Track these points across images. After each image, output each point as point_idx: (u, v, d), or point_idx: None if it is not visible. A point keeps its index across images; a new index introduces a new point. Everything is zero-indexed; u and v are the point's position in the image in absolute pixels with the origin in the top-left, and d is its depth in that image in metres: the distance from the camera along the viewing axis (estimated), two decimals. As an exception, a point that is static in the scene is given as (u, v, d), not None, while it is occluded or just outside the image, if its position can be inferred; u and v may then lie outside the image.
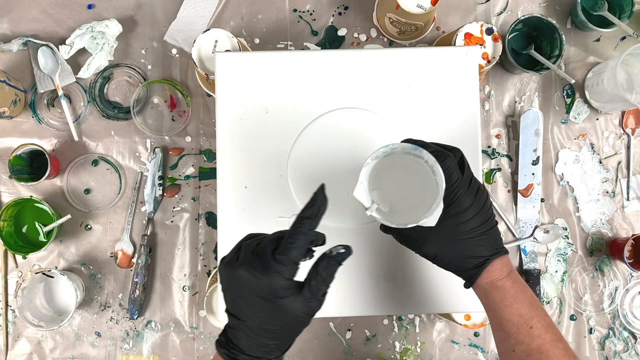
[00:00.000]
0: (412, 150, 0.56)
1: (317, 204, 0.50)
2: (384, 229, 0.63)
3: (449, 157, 0.57)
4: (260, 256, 0.51)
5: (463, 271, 0.60)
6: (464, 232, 0.58)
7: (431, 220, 0.56)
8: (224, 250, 0.73)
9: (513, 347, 0.59)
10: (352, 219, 0.73)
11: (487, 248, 0.59)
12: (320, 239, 0.53)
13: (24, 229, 0.91)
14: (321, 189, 0.51)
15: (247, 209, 0.73)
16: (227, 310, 0.54)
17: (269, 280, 0.50)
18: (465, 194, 0.57)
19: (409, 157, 0.59)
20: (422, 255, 0.61)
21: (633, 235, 0.89)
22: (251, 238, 0.54)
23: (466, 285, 0.61)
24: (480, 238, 0.58)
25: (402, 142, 0.59)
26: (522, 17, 0.89)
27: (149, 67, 0.93)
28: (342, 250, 0.52)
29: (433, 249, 0.59)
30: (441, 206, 0.56)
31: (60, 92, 0.90)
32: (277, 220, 0.73)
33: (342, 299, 0.73)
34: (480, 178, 0.74)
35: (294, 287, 0.51)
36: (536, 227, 0.93)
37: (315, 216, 0.50)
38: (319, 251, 0.54)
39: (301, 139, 0.74)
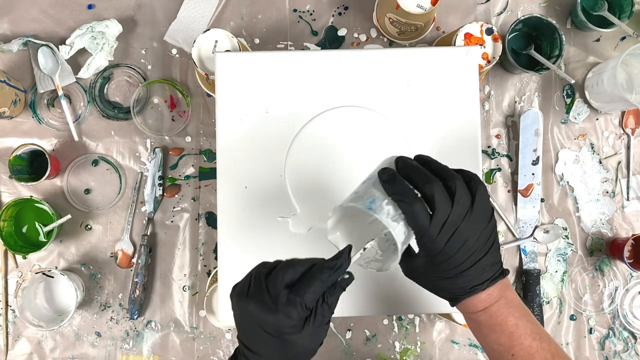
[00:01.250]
0: (367, 211, 0.52)
1: (341, 260, 0.52)
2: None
3: (417, 202, 0.51)
4: (270, 292, 0.50)
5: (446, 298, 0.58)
6: (439, 274, 0.55)
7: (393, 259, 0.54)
8: (224, 250, 0.73)
9: None
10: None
11: (460, 287, 0.55)
12: (349, 281, 0.53)
13: (24, 229, 0.91)
14: (348, 249, 0.52)
15: (247, 209, 0.73)
16: (239, 338, 0.55)
17: (276, 319, 0.50)
18: (443, 240, 0.52)
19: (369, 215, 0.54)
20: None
21: (633, 235, 0.89)
22: (264, 266, 0.54)
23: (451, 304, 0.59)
24: (458, 278, 0.54)
25: (395, 158, 0.55)
26: (522, 17, 0.89)
27: (149, 67, 0.93)
28: (347, 277, 0.53)
29: (414, 278, 0.58)
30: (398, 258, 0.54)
31: (60, 92, 0.90)
32: (277, 220, 0.73)
33: (342, 299, 0.73)
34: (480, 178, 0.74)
35: (301, 323, 0.51)
36: (536, 227, 0.93)
37: (337, 270, 0.51)
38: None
39: (299, 139, 0.74)
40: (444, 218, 0.51)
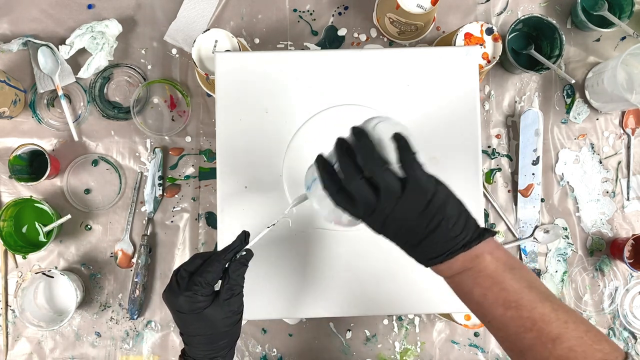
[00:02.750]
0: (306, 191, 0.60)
1: (235, 241, 0.62)
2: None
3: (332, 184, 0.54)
4: (178, 280, 0.60)
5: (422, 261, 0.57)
6: (403, 242, 0.55)
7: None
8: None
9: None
10: (353, 221, 0.73)
11: (424, 254, 0.55)
12: (249, 257, 0.63)
13: (24, 229, 0.91)
14: (243, 234, 0.63)
15: (247, 209, 0.73)
16: (180, 332, 0.64)
17: (185, 299, 0.59)
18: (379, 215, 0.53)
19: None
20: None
21: (633, 235, 0.89)
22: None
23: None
24: (420, 245, 0.54)
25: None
26: (522, 17, 0.88)
27: (149, 67, 0.93)
28: (244, 253, 0.62)
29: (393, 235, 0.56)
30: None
31: (60, 92, 0.90)
32: (277, 220, 0.73)
33: (342, 299, 0.73)
34: (480, 178, 0.74)
35: (210, 298, 0.60)
36: (536, 227, 0.93)
37: (232, 250, 0.62)
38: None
39: (299, 139, 0.74)
40: (369, 210, 0.53)
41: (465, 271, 0.55)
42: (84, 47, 0.91)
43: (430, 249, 0.54)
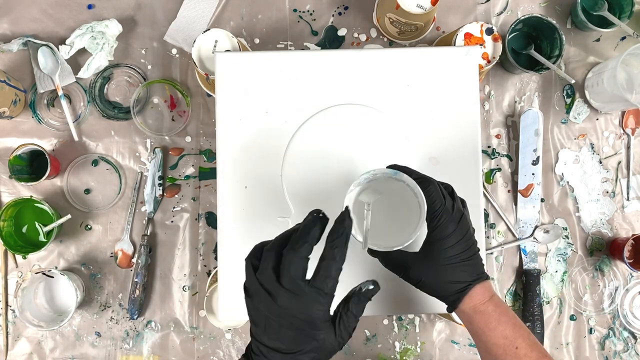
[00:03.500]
0: (393, 175, 0.59)
1: (342, 228, 0.51)
2: (370, 252, 0.64)
3: (432, 183, 0.59)
4: (290, 282, 0.49)
5: (446, 296, 0.61)
6: (446, 257, 0.59)
7: (414, 244, 0.58)
8: (224, 250, 0.73)
9: None
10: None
11: (469, 274, 0.60)
12: (374, 291, 0.54)
13: (24, 229, 0.91)
14: (347, 211, 0.52)
15: (247, 209, 0.73)
16: (255, 337, 0.53)
17: (308, 309, 0.49)
18: (448, 220, 0.59)
19: (394, 181, 0.60)
20: (406, 279, 0.62)
21: (633, 235, 0.89)
22: (260, 252, 0.53)
23: (449, 310, 0.62)
24: (463, 264, 0.60)
25: (387, 167, 0.62)
26: (522, 17, 0.88)
27: (149, 67, 0.93)
28: (372, 287, 0.53)
29: (417, 274, 0.61)
30: (424, 230, 0.59)
31: (60, 92, 0.90)
32: (277, 220, 0.73)
33: (342, 299, 0.73)
34: (480, 178, 0.74)
35: (330, 320, 0.52)
36: (536, 227, 0.93)
37: (344, 242, 0.51)
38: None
39: (299, 139, 0.74)
40: (453, 203, 0.61)
41: (495, 295, 0.62)
42: (84, 47, 0.91)
43: (474, 267, 0.62)
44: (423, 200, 0.57)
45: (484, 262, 0.63)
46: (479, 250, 0.62)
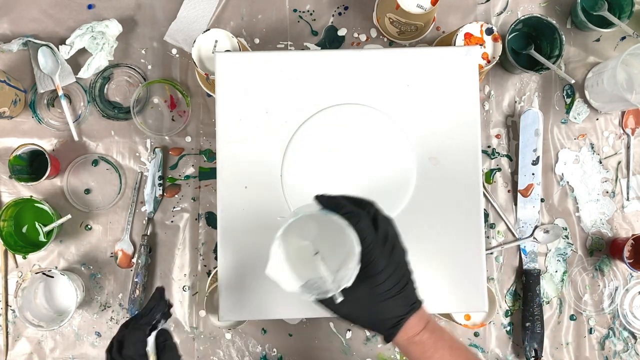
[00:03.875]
0: (321, 215, 0.57)
1: (152, 305, 0.62)
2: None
3: (361, 218, 0.57)
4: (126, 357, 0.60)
5: (380, 331, 0.60)
6: (378, 294, 0.58)
7: (346, 282, 0.56)
8: (224, 250, 0.73)
9: None
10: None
11: (402, 307, 0.59)
12: (167, 317, 0.64)
13: (24, 229, 0.91)
14: (157, 292, 0.64)
15: (247, 209, 0.73)
16: None
17: None
18: (380, 255, 0.57)
19: (322, 217, 0.58)
20: (339, 317, 0.60)
21: (633, 235, 0.89)
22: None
23: (384, 342, 0.61)
24: (396, 298, 0.58)
25: (315, 198, 0.59)
26: (522, 17, 0.89)
27: (149, 67, 0.93)
28: (167, 332, 0.64)
29: (347, 311, 0.59)
30: (357, 269, 0.55)
31: (60, 92, 0.90)
32: (277, 220, 0.73)
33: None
34: (480, 178, 0.74)
35: None
36: (536, 227, 0.93)
37: (149, 313, 0.62)
38: None
39: (299, 139, 0.74)
40: (384, 233, 0.58)
41: (430, 319, 0.62)
42: (84, 47, 0.91)
43: (409, 298, 0.61)
44: (357, 242, 0.55)
45: (415, 286, 0.61)
46: (411, 273, 0.60)
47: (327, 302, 0.59)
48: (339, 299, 0.57)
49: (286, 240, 0.59)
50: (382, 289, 0.58)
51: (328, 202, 0.58)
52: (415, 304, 0.60)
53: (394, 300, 0.58)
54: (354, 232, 0.55)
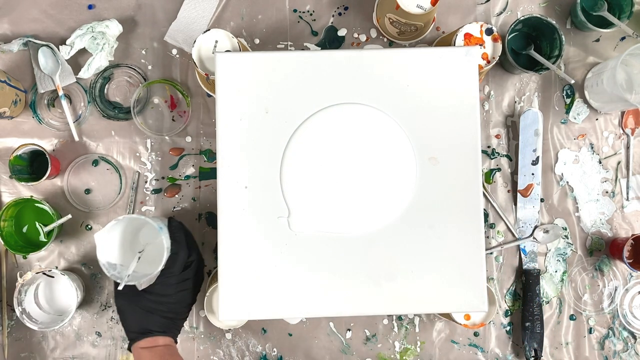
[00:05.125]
0: (153, 226, 0.76)
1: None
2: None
3: (181, 250, 0.77)
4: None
5: (127, 333, 0.76)
6: (146, 306, 0.75)
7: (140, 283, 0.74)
8: (224, 250, 0.73)
9: None
10: (352, 222, 0.73)
11: (159, 326, 0.75)
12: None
13: (25, 229, 0.91)
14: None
15: (247, 209, 0.73)
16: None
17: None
18: (172, 285, 0.76)
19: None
20: (115, 304, 0.78)
21: (633, 235, 0.89)
22: None
23: (128, 347, 0.77)
24: (155, 317, 0.75)
25: (169, 220, 0.82)
26: (522, 18, 0.89)
27: (149, 67, 0.93)
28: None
29: (120, 305, 0.77)
30: (151, 280, 0.75)
31: (60, 92, 0.90)
32: (277, 220, 0.73)
33: (342, 299, 0.73)
34: (479, 178, 0.75)
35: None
36: (536, 227, 0.93)
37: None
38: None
39: (299, 139, 0.74)
40: (189, 277, 0.79)
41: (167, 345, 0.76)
42: (84, 48, 0.91)
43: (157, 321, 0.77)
44: (163, 263, 0.75)
45: (177, 326, 0.78)
46: (185, 318, 0.79)
47: (123, 290, 0.74)
48: (120, 287, 0.73)
49: (127, 230, 0.79)
50: (150, 305, 0.74)
51: (175, 227, 0.79)
52: (173, 334, 0.77)
53: (152, 317, 0.75)
54: (167, 256, 0.75)
